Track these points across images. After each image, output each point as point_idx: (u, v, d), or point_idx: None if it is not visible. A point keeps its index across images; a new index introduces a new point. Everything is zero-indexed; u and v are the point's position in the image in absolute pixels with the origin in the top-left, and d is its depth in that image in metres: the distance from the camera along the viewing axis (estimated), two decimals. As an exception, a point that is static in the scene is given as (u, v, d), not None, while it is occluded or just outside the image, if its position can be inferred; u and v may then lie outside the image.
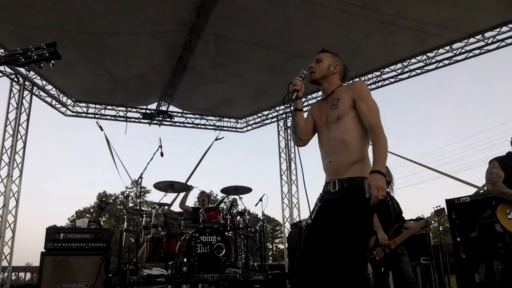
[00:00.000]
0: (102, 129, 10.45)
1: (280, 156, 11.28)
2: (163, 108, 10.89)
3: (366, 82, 9.36)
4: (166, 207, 6.98)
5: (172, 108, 10.96)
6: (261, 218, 7.89)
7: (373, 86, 9.34)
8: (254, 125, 11.83)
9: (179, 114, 11.28)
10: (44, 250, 5.61)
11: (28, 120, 8.79)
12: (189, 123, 11.47)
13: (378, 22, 7.07)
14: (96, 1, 6.56)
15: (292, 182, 10.84)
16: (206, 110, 11.34)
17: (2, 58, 1.68)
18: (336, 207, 2.56)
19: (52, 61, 1.75)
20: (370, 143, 2.65)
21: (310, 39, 7.56)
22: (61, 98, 9.93)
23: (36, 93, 9.27)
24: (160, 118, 10.94)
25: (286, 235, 10.10)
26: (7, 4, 6.53)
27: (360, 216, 2.47)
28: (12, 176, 8.27)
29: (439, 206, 5.40)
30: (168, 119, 11.06)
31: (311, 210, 2.76)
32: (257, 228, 6.80)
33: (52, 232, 5.67)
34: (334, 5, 6.58)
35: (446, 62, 8.40)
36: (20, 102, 8.68)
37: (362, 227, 2.46)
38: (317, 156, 2.84)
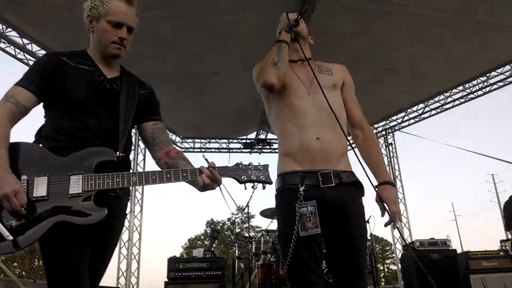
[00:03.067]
0: (208, 162, 11.07)
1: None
2: (262, 136, 11.30)
3: (468, 90, 8.80)
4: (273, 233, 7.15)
5: (270, 135, 11.32)
6: (370, 239, 7.69)
7: (480, 92, 8.74)
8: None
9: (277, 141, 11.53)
10: (167, 280, 6.10)
11: (144, 159, 9.70)
12: (288, 148, 11.65)
13: (477, 25, 6.68)
14: (192, 42, 7.15)
15: (400, 200, 10.42)
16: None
17: (230, 171, 1.83)
18: (346, 209, 2.02)
19: (265, 185, 1.88)
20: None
21: (403, 53, 7.39)
22: (171, 136, 10.83)
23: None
24: (260, 146, 11.35)
25: (399, 256, 9.67)
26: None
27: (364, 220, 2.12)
28: (134, 212, 9.13)
29: None
30: (268, 147, 11.42)
31: (298, 212, 1.97)
32: (366, 250, 6.63)
33: (173, 262, 6.14)
34: (425, 15, 6.40)
35: None
36: (137, 144, 9.62)
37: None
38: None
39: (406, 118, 10.27)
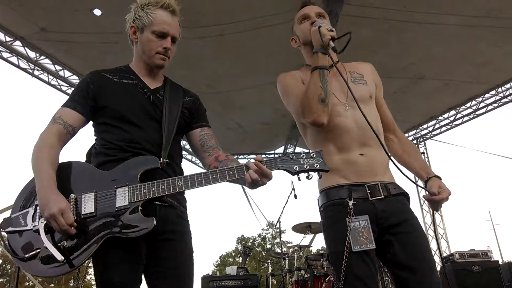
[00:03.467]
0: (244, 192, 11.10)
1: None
2: (290, 149, 11.23)
3: (501, 94, 8.54)
4: (306, 249, 7.06)
5: (298, 149, 11.25)
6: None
7: (513, 96, 8.47)
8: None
9: (306, 154, 11.48)
10: (201, 298, 6.07)
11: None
12: (316, 161, 11.57)
13: (508, 29, 6.51)
14: (218, 60, 7.24)
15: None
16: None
17: (279, 163, 1.67)
18: (402, 216, 1.93)
19: (321, 174, 1.67)
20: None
21: (432, 60, 7.26)
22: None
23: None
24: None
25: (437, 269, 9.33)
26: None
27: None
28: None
29: None
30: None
31: (349, 228, 1.86)
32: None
33: (207, 281, 6.11)
34: (453, 21, 6.28)
35: None
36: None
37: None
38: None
39: (437, 126, 10.02)
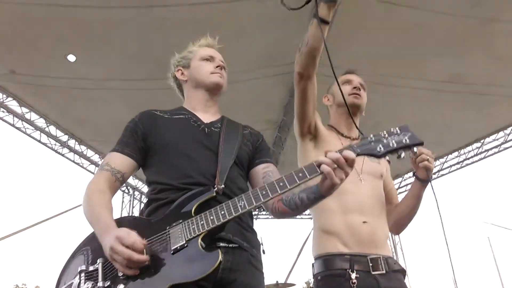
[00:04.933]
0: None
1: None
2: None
3: (464, 155, 8.90)
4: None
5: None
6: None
7: (475, 158, 8.83)
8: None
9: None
10: None
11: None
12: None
13: (470, 94, 6.88)
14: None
15: None
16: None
17: (358, 149, 1.39)
18: None
19: (415, 148, 1.39)
20: None
21: (399, 121, 7.51)
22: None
23: (144, 201, 10.05)
24: (256, 212, 11.15)
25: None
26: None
27: None
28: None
29: None
30: (264, 212, 11.21)
31: None
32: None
33: None
34: (416, 84, 6.61)
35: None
36: (131, 212, 9.44)
37: None
38: None
39: (403, 184, 10.27)
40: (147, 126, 1.71)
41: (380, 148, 1.38)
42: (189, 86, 1.88)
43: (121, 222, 1.48)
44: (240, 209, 1.38)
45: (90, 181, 1.63)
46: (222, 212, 1.38)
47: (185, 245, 1.37)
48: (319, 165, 1.36)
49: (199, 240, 1.37)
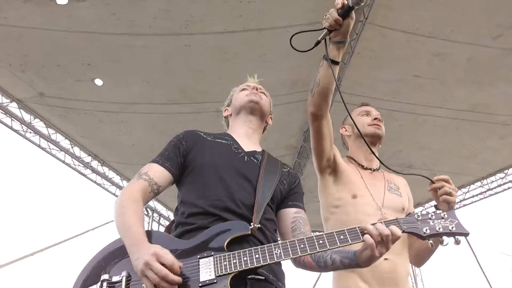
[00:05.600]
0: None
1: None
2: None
3: (487, 185, 8.71)
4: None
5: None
6: None
7: (498, 189, 8.62)
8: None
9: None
10: None
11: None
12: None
13: (493, 123, 6.81)
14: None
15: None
16: (318, 226, 11.25)
17: (404, 225, 1.36)
18: None
19: (459, 238, 1.36)
20: None
21: (420, 150, 7.45)
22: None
23: (162, 223, 10.09)
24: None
25: None
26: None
27: None
28: None
29: None
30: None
31: None
32: None
33: None
34: (438, 113, 6.58)
35: None
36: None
37: None
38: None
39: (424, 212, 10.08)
40: (189, 144, 1.73)
41: (426, 230, 1.36)
42: (232, 117, 1.94)
43: (151, 237, 1.46)
44: (275, 258, 1.36)
45: (126, 187, 1.65)
46: (257, 256, 1.36)
47: (215, 280, 1.33)
48: (363, 233, 1.34)
49: (229, 279, 1.34)
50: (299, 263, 1.58)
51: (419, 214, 1.40)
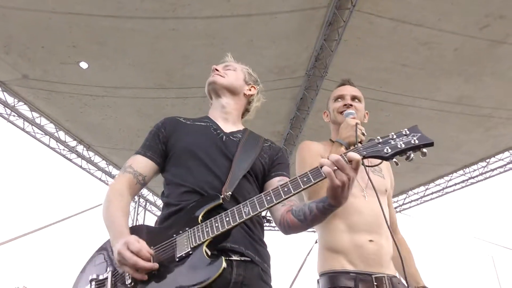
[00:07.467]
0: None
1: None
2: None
3: (469, 174, 8.87)
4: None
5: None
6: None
7: (480, 177, 8.80)
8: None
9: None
10: None
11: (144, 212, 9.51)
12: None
13: (477, 116, 6.90)
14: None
15: None
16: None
17: (364, 151, 1.33)
18: None
19: (425, 150, 1.32)
20: None
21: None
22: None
23: (149, 208, 10.09)
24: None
25: None
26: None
27: None
28: None
29: None
30: (267, 224, 11.21)
31: None
32: None
33: None
34: (424, 104, 6.63)
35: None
36: (136, 219, 9.47)
37: None
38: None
39: (407, 200, 10.25)
40: (169, 130, 1.76)
41: (387, 149, 1.32)
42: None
43: (133, 231, 1.49)
44: (244, 215, 1.35)
45: (112, 182, 1.69)
46: (227, 219, 1.37)
47: (190, 252, 1.36)
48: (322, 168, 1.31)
49: (204, 247, 1.36)
50: (284, 227, 1.56)
51: (380, 137, 1.36)
